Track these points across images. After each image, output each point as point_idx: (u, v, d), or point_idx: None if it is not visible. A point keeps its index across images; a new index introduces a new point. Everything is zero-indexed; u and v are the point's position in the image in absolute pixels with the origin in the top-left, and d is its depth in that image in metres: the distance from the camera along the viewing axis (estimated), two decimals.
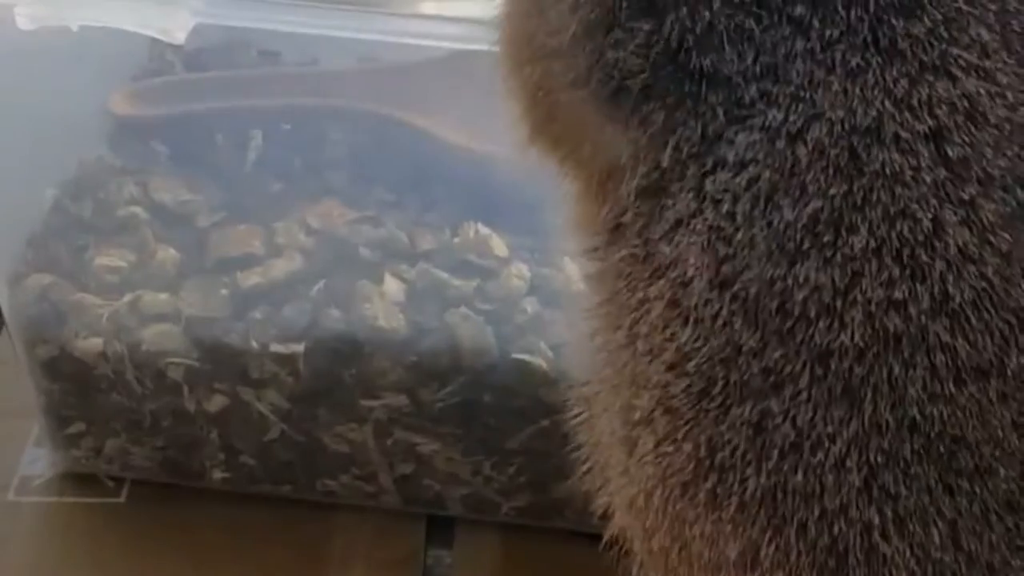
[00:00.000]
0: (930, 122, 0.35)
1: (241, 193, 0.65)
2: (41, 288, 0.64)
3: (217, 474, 0.67)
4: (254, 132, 0.64)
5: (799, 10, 0.36)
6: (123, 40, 0.52)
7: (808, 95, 0.36)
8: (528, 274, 0.64)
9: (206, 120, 0.66)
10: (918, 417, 0.35)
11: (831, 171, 0.36)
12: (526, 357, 0.61)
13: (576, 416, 0.44)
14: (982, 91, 0.36)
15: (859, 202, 0.35)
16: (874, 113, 0.36)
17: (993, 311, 0.35)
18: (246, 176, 0.64)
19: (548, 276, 0.64)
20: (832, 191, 0.35)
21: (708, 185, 0.37)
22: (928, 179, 0.35)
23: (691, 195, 0.37)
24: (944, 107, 0.36)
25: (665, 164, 0.38)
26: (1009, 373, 0.35)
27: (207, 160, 0.66)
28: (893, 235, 0.35)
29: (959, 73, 0.36)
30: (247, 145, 0.65)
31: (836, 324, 0.35)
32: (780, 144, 0.36)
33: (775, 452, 0.36)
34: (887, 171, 0.35)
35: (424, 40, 0.55)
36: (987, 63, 0.36)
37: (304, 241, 0.64)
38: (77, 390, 0.65)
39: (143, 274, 0.64)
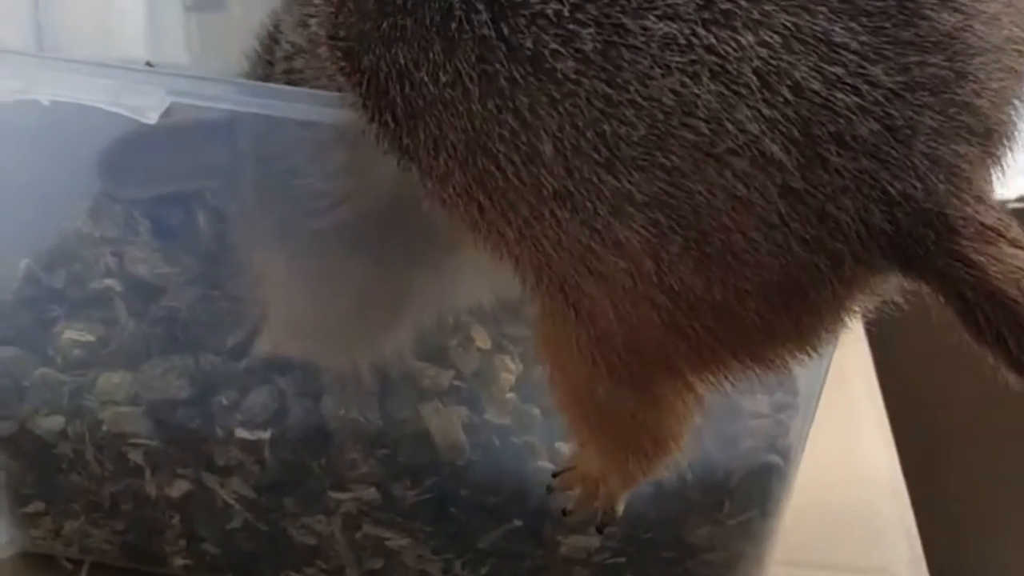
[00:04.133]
0: None
1: (218, 269, 0.63)
2: (4, 361, 0.62)
3: (178, 561, 0.64)
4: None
5: None
6: (96, 115, 0.51)
7: None
8: (512, 367, 0.62)
9: (188, 193, 0.64)
10: None
11: None
12: (505, 455, 0.59)
13: None
14: None
15: None
16: None
17: None
18: (224, 252, 0.63)
19: (532, 371, 0.62)
20: None
21: None
22: None
23: None
24: None
25: None
26: None
27: (186, 234, 0.64)
28: None
29: None
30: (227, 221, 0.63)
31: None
32: None
33: None
34: None
35: None
36: None
37: None
38: (37, 468, 0.63)
39: (110, 350, 0.62)
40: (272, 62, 0.57)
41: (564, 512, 0.57)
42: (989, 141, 0.42)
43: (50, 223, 0.68)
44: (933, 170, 0.41)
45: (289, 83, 0.53)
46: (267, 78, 0.56)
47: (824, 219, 0.41)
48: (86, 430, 0.60)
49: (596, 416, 0.50)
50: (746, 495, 0.60)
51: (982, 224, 0.42)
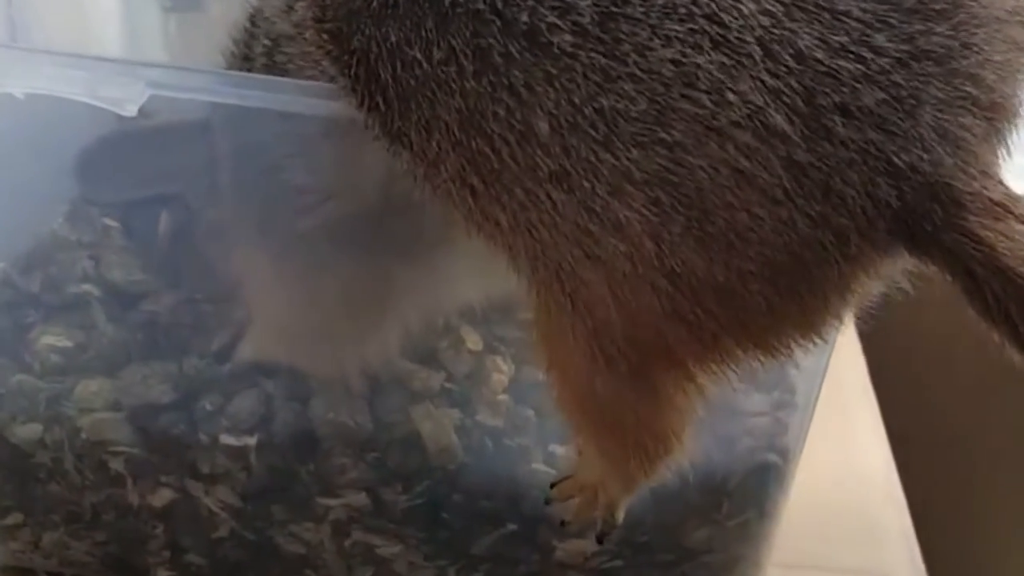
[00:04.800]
0: None
1: (198, 273, 0.61)
2: None
3: (162, 572, 0.63)
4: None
5: None
6: (74, 110, 0.49)
7: None
8: (504, 368, 0.60)
9: (166, 197, 0.63)
10: None
11: None
12: (498, 457, 0.58)
13: None
14: None
15: None
16: None
17: None
18: (204, 255, 0.61)
19: (525, 372, 0.60)
20: None
21: None
22: None
23: None
24: None
25: None
26: None
27: (165, 237, 0.63)
28: None
29: None
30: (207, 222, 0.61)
31: None
32: None
33: None
34: None
35: None
36: None
37: None
38: (14, 478, 0.61)
39: (89, 356, 0.61)
40: (250, 57, 0.55)
41: (562, 523, 0.56)
42: (994, 114, 0.42)
43: (25, 226, 0.66)
44: (939, 142, 0.40)
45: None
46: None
47: (829, 194, 0.40)
48: (65, 438, 0.59)
49: (596, 413, 0.48)
50: (744, 496, 0.58)
51: (990, 200, 0.41)
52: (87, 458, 0.59)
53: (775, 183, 0.40)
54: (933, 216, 0.40)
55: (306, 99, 0.47)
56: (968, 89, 0.40)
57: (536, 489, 0.58)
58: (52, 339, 0.61)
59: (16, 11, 0.75)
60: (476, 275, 0.57)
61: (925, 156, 0.40)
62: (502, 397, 0.60)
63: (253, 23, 0.56)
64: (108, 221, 0.65)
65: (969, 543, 0.98)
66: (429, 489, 0.58)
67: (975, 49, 0.40)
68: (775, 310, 0.42)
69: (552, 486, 0.55)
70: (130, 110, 0.47)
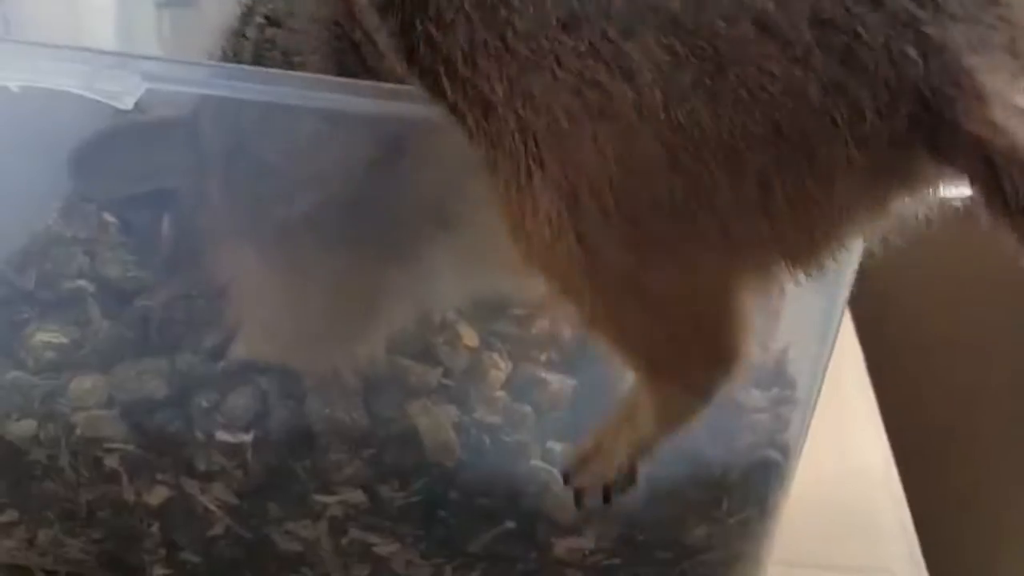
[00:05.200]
0: None
1: (192, 269, 0.61)
2: None
3: (158, 570, 0.62)
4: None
5: None
6: (69, 102, 0.49)
7: None
8: (502, 365, 0.60)
9: (161, 193, 0.62)
10: None
11: None
12: (495, 454, 0.58)
13: None
14: None
15: None
16: None
17: None
18: (198, 251, 0.61)
19: (522, 368, 0.60)
20: None
21: None
22: None
23: None
24: None
25: None
26: None
27: (160, 233, 0.63)
28: None
29: None
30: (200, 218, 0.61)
31: None
32: None
33: None
34: None
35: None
36: None
37: None
38: (9, 476, 0.60)
39: (84, 352, 0.60)
40: (244, 34, 0.55)
41: (578, 497, 0.54)
42: (1017, 42, 0.41)
43: (20, 222, 0.66)
44: (967, 31, 0.40)
45: (263, 55, 0.51)
46: (240, 52, 0.54)
47: (851, 59, 0.39)
48: (60, 435, 0.58)
49: (632, 314, 0.46)
50: (745, 493, 0.58)
51: (1012, 103, 0.40)
52: (82, 455, 0.59)
53: (796, 38, 0.39)
54: (955, 103, 0.40)
55: (304, 92, 0.47)
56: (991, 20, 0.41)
57: (534, 486, 0.58)
58: (47, 336, 0.61)
59: (9, 6, 0.75)
60: (464, 272, 0.56)
61: (955, 36, 0.39)
62: (499, 393, 0.60)
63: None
64: (105, 216, 0.64)
65: (969, 539, 0.97)
66: (426, 486, 0.58)
67: None
68: (774, 189, 0.41)
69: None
70: (127, 103, 0.46)
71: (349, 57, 0.50)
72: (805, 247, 0.44)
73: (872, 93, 0.40)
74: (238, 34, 0.55)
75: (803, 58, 0.39)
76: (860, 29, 0.39)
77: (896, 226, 0.47)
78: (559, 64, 0.41)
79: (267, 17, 0.52)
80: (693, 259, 0.44)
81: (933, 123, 0.40)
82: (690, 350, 0.47)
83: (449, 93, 0.44)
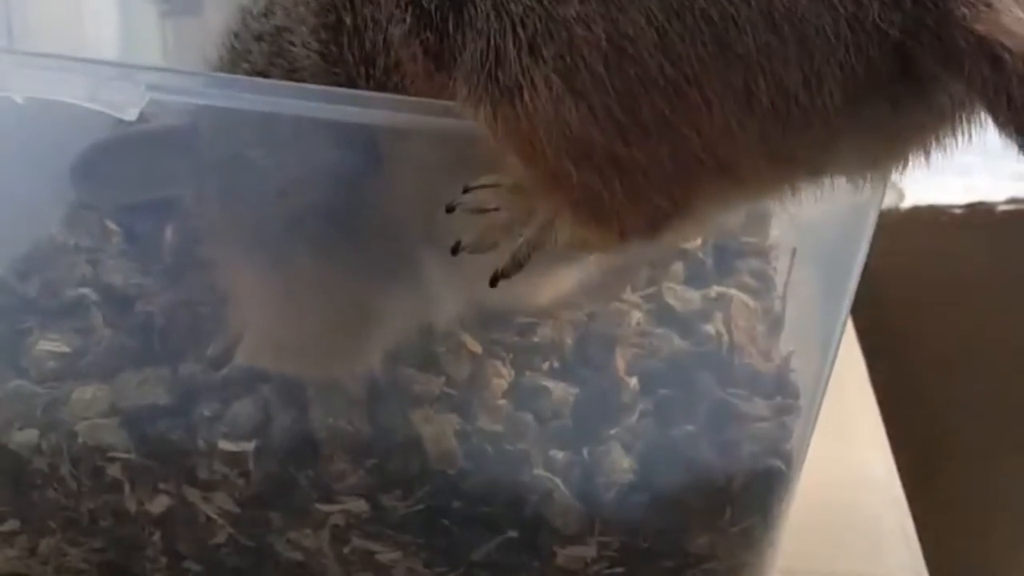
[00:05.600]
0: None
1: (193, 278, 0.61)
2: None
3: None
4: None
5: None
6: (72, 114, 0.49)
7: None
8: (504, 373, 0.60)
9: (163, 201, 0.63)
10: None
11: None
12: (498, 463, 0.58)
13: None
14: None
15: None
16: None
17: None
18: (199, 260, 0.61)
19: (525, 377, 0.60)
20: None
21: None
22: None
23: None
24: None
25: None
26: None
27: (161, 241, 0.63)
28: None
29: None
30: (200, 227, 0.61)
31: None
32: None
33: None
34: None
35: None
36: None
37: None
38: (11, 484, 0.60)
39: (86, 361, 0.60)
40: (238, 34, 0.55)
41: (455, 248, 0.50)
42: None
43: (22, 230, 0.66)
44: None
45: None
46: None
47: None
48: (62, 444, 0.58)
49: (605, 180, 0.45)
50: (748, 501, 0.58)
51: (1016, 12, 0.41)
52: (84, 464, 0.59)
53: None
54: (963, 5, 0.40)
55: (307, 102, 0.47)
56: None
57: (537, 495, 0.58)
58: (50, 344, 0.61)
59: (13, 14, 0.75)
60: (463, 281, 0.56)
61: None
62: (502, 402, 0.60)
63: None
64: (107, 224, 0.64)
65: (971, 547, 0.97)
66: (429, 495, 0.58)
67: None
68: (759, 82, 0.41)
69: (466, 191, 0.49)
70: (131, 114, 0.46)
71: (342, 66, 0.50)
72: (784, 155, 0.43)
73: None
74: (233, 34, 0.56)
75: None
76: None
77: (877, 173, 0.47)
78: None
79: (264, 10, 0.52)
80: (677, 139, 0.43)
81: (938, 26, 0.40)
82: (637, 211, 0.46)
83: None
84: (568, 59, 0.42)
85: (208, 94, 0.48)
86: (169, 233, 0.64)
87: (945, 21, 0.41)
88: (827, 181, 0.46)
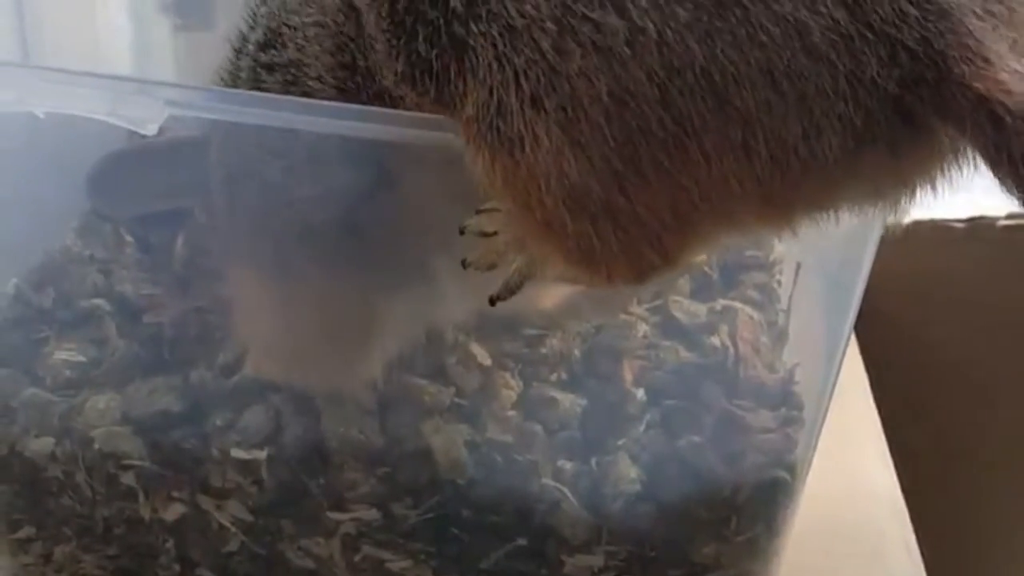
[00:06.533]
0: None
1: (204, 288, 0.62)
2: None
3: None
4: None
5: None
6: (84, 129, 0.50)
7: None
8: (513, 384, 0.61)
9: (176, 212, 0.64)
10: None
11: None
12: (507, 472, 0.58)
13: None
14: None
15: None
16: None
17: None
18: (209, 271, 0.62)
19: (532, 388, 0.61)
20: None
21: None
22: None
23: None
24: None
25: None
26: None
27: (173, 252, 0.64)
28: None
29: None
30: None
31: None
32: None
33: None
34: None
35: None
36: None
37: None
38: (27, 492, 0.61)
39: (101, 370, 0.61)
40: (242, 51, 0.56)
41: (463, 262, 0.52)
42: (1013, 20, 0.42)
43: (37, 241, 0.67)
44: (972, 1, 0.41)
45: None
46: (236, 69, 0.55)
47: (857, 13, 0.40)
48: (77, 451, 0.59)
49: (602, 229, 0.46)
50: (753, 511, 0.59)
51: (1016, 69, 0.41)
52: (98, 472, 0.59)
53: None
54: (962, 64, 0.41)
55: (326, 119, 0.48)
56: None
57: (545, 504, 0.58)
58: (65, 354, 0.62)
59: (29, 29, 0.76)
60: (468, 293, 0.57)
61: (960, 1, 0.41)
62: (511, 413, 0.61)
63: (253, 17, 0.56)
64: (120, 234, 0.65)
65: (973, 558, 0.98)
66: (439, 504, 0.59)
67: None
68: (757, 135, 0.42)
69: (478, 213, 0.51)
70: (151, 129, 0.47)
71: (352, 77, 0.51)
72: (780, 200, 0.44)
73: (875, 49, 0.40)
74: (236, 59, 0.57)
75: (812, 3, 0.40)
76: None
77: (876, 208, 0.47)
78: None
79: (265, 40, 0.53)
80: (675, 190, 0.44)
81: (937, 83, 0.41)
82: (627, 261, 0.47)
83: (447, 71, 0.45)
84: (570, 111, 0.43)
85: (226, 110, 0.49)
86: (181, 243, 0.65)
87: (945, 79, 0.41)
88: (830, 215, 0.47)
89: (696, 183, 0.43)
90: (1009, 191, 0.41)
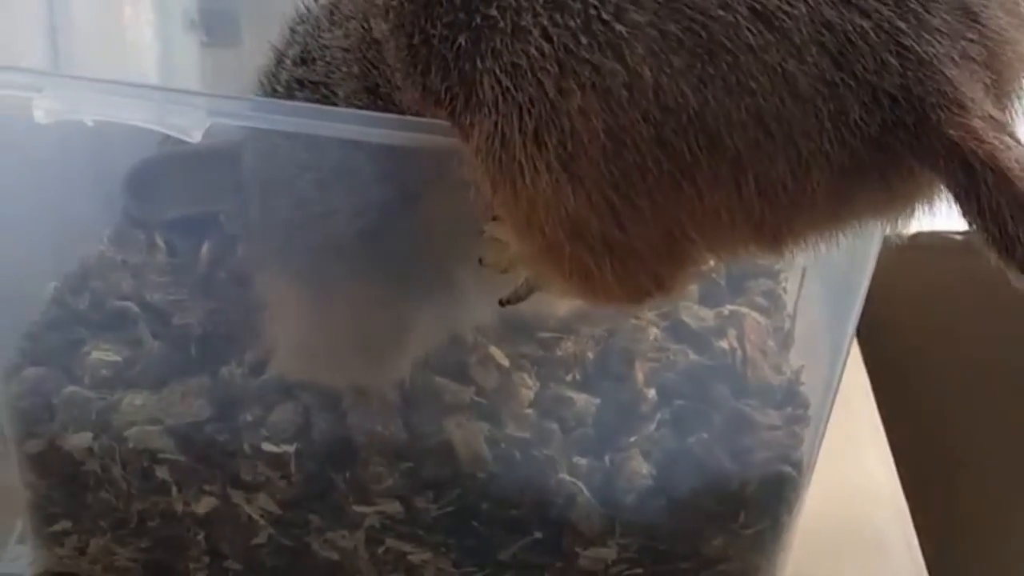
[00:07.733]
0: None
1: (235, 290, 0.65)
2: (34, 380, 0.63)
3: None
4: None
5: None
6: (116, 135, 0.53)
7: None
8: (530, 383, 0.63)
9: (209, 216, 0.66)
10: None
11: None
12: (525, 467, 0.61)
13: None
14: None
15: None
16: None
17: None
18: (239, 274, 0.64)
19: (548, 387, 0.63)
20: None
21: None
22: None
23: None
24: None
25: None
26: None
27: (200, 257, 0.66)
28: None
29: None
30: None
31: None
32: None
33: None
34: None
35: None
36: None
37: None
38: (64, 486, 0.63)
39: (136, 370, 0.63)
40: (283, 54, 0.58)
41: (480, 259, 0.55)
42: (993, 60, 0.44)
43: (74, 247, 0.69)
44: (951, 48, 0.42)
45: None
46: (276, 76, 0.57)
47: (842, 62, 0.42)
48: (114, 446, 0.61)
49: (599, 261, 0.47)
50: (760, 505, 0.61)
51: (989, 114, 0.43)
52: (133, 466, 0.62)
53: (793, 30, 0.41)
54: (938, 110, 0.42)
55: (364, 128, 0.50)
56: (972, 34, 0.44)
57: (561, 498, 0.61)
58: (101, 354, 0.64)
59: (61, 51, 0.78)
60: (485, 299, 0.59)
61: (937, 48, 0.42)
62: (528, 411, 0.63)
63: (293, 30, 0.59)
64: (155, 240, 0.68)
65: (974, 557, 0.99)
66: (459, 497, 0.61)
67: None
68: (747, 174, 0.43)
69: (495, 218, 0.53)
70: (195, 136, 0.50)
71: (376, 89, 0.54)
72: (770, 231, 0.46)
73: (857, 95, 0.42)
74: (272, 71, 0.59)
75: (799, 53, 0.42)
76: (852, 34, 0.42)
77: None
78: (547, 39, 0.44)
79: (301, 56, 0.56)
80: (669, 223, 0.46)
81: (915, 127, 0.43)
82: (622, 288, 0.49)
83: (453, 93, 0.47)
84: (569, 147, 0.45)
85: (266, 119, 0.52)
86: (209, 248, 0.67)
87: (922, 123, 0.43)
88: (823, 243, 0.49)
89: (689, 217, 0.45)
90: (982, 237, 0.43)
